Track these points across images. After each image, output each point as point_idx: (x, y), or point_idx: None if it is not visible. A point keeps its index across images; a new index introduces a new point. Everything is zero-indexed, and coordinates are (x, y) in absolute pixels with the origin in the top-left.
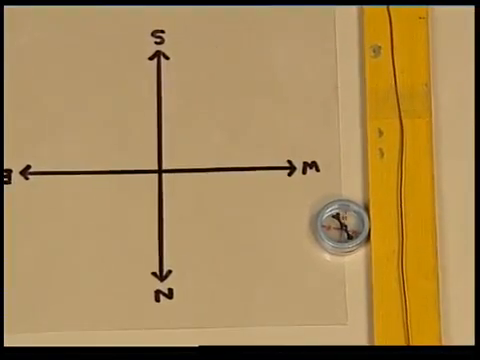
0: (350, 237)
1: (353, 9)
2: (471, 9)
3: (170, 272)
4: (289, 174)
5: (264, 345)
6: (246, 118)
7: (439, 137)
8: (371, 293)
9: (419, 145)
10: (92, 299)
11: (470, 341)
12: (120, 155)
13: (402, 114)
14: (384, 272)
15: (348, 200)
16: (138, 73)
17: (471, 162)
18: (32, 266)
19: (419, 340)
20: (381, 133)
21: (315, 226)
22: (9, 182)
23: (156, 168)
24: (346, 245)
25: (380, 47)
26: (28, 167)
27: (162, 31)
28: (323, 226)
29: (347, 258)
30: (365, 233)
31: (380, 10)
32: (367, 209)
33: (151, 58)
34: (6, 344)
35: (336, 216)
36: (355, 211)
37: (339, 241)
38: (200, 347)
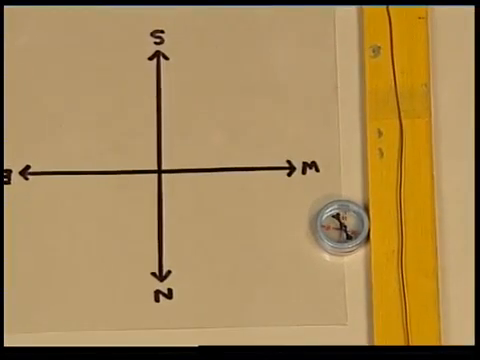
0: (350, 237)
1: (353, 9)
2: (471, 9)
3: (170, 272)
4: (289, 174)
5: (264, 345)
6: (246, 118)
7: (439, 137)
8: (371, 293)
9: (419, 145)
10: (92, 299)
11: (470, 341)
12: (120, 155)
13: (402, 114)
14: (384, 272)
15: (348, 200)
16: (138, 73)
17: (471, 162)
18: (32, 266)
19: (419, 340)
20: (381, 133)
21: (315, 226)
22: (9, 182)
23: (156, 168)
24: (346, 245)
25: (380, 47)
26: (28, 167)
27: (162, 31)
28: (323, 226)
29: (347, 258)
30: (365, 233)
31: (380, 10)
32: (367, 209)
33: (151, 58)
34: (6, 344)
35: (336, 216)
36: (355, 211)
37: (339, 241)
38: (200, 347)
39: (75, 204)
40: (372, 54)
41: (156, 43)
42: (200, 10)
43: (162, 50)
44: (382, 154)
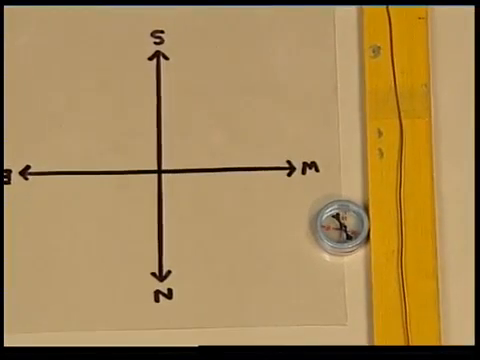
0: (349, 237)
1: (353, 9)
2: (471, 9)
3: (169, 272)
4: (289, 174)
5: (264, 345)
6: (246, 118)
7: (439, 137)
8: (371, 293)
9: (419, 145)
10: (92, 299)
11: (470, 341)
12: (119, 155)
13: (402, 114)
14: (384, 272)
15: (347, 200)
16: (138, 73)
17: (471, 162)
18: (32, 266)
19: (419, 340)
20: (381, 133)
21: (314, 226)
22: (9, 182)
23: (155, 168)
24: (346, 245)
25: (380, 47)
26: (28, 167)
27: (162, 31)
28: (322, 226)
29: (347, 258)
30: (364, 233)
31: (380, 10)
32: (367, 209)
33: (151, 58)
34: (6, 344)
35: (336, 216)
36: (354, 211)
37: (339, 241)
38: (200, 347)
39: (75, 204)
40: (372, 54)
41: (156, 43)
42: (200, 10)
43: (162, 50)
44: (382, 154)
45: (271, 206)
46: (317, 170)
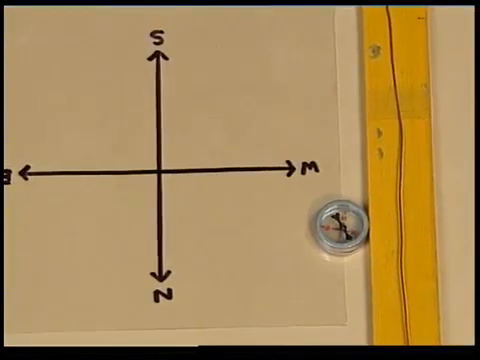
0: (349, 237)
1: (352, 9)
2: (471, 9)
3: (169, 272)
4: (288, 174)
5: (264, 345)
6: (245, 118)
7: (438, 137)
8: (370, 293)
9: (418, 145)
10: (91, 299)
11: (470, 341)
12: (119, 155)
13: (401, 114)
14: (383, 272)
15: (347, 200)
16: (137, 73)
17: (471, 162)
18: (31, 266)
19: (418, 340)
20: (380, 133)
21: (314, 226)
22: (8, 182)
23: (155, 168)
24: (345, 245)
25: (379, 47)
26: (27, 167)
27: (161, 31)
28: (322, 226)
29: (346, 258)
30: (364, 233)
31: (379, 10)
32: (366, 209)
33: (150, 58)
34: (6, 344)
35: (335, 216)
36: (354, 211)
37: (338, 241)
38: (200, 347)
39: (75, 204)
40: (372, 54)
41: (156, 43)
42: (200, 10)
43: (162, 50)
44: (382, 154)
45: (271, 206)
46: (317, 170)
